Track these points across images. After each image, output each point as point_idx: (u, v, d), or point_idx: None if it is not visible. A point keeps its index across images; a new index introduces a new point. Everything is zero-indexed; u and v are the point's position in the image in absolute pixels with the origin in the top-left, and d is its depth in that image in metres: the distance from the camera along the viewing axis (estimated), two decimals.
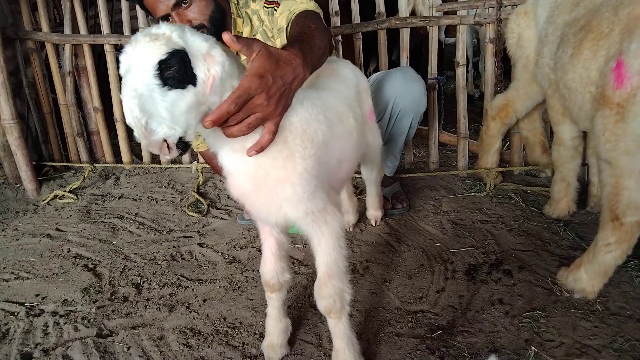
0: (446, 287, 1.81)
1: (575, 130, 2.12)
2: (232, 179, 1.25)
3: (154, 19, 1.80)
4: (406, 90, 2.10)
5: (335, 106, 1.44)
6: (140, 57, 0.97)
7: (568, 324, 1.57)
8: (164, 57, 0.96)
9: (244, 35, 1.94)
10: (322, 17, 1.74)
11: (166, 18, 1.71)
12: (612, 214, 1.59)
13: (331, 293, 1.31)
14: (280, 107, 1.11)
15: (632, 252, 1.90)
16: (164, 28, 1.01)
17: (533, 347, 1.47)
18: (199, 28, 1.70)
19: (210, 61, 1.02)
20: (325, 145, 1.30)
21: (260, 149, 1.11)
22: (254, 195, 1.23)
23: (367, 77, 2.27)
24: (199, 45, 1.02)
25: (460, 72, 2.82)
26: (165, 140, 0.98)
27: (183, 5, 1.69)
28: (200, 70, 1.01)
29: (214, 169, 2.50)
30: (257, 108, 1.05)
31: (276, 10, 1.88)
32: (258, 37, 1.95)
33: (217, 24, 1.77)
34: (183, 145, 1.01)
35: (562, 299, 1.69)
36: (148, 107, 0.95)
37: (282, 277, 1.46)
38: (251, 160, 1.15)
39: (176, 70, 0.97)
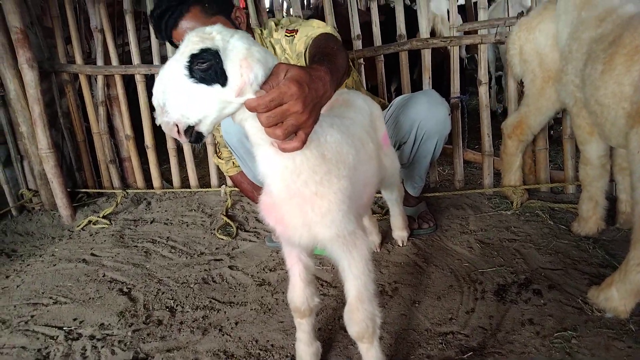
0: (476, 308, 1.81)
1: (602, 149, 2.11)
2: (268, 190, 1.27)
3: None
4: (430, 114, 2.12)
5: (357, 132, 1.48)
6: (181, 49, 1.06)
7: (601, 345, 1.56)
8: (195, 52, 1.03)
9: None
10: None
11: None
12: None
13: (363, 317, 1.33)
14: (312, 118, 1.11)
15: None
16: (215, 28, 1.08)
17: None
18: None
19: (245, 66, 1.04)
20: (354, 168, 1.33)
21: (283, 149, 1.11)
22: (286, 205, 1.24)
23: (390, 100, 2.32)
24: (238, 50, 1.05)
25: (483, 90, 2.84)
26: (176, 125, 1.05)
27: None
28: (232, 73, 1.04)
29: (244, 192, 2.57)
30: (293, 115, 1.05)
31: (294, 37, 1.94)
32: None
33: None
34: (196, 135, 1.07)
35: (594, 319, 1.68)
36: (169, 91, 1.04)
37: (312, 302, 1.48)
38: (289, 167, 1.18)
39: (206, 66, 1.03)
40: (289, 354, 1.66)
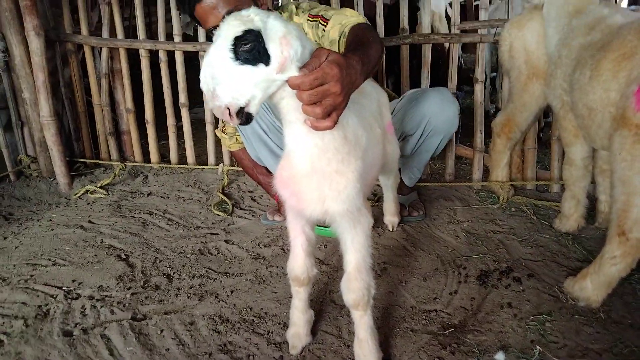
0: (459, 290, 1.92)
1: (586, 151, 2.22)
2: (289, 158, 1.32)
3: (203, 28, 1.93)
4: (441, 111, 2.18)
5: (366, 117, 1.58)
6: (222, 33, 1.11)
7: (572, 329, 1.68)
8: (239, 34, 1.09)
9: None
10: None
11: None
12: (619, 229, 1.69)
13: (361, 286, 1.43)
14: (345, 101, 1.19)
15: (635, 266, 2.02)
16: (251, 11, 1.14)
17: (538, 347, 1.57)
18: None
19: (285, 44, 1.11)
20: (365, 151, 1.42)
21: (316, 127, 1.17)
22: (306, 179, 1.31)
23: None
24: (277, 29, 1.12)
25: (479, 88, 2.95)
26: (228, 108, 1.10)
27: None
28: (273, 51, 1.11)
29: (244, 168, 2.64)
30: (331, 96, 1.12)
31: (322, 24, 2.00)
32: None
33: None
34: (246, 115, 1.13)
35: (568, 306, 1.80)
36: (218, 75, 1.09)
37: (311, 272, 1.57)
38: (318, 145, 1.25)
39: (249, 47, 1.09)
40: (281, 321, 1.76)
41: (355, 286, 1.43)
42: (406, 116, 2.26)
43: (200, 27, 2.11)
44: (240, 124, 1.15)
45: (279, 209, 2.55)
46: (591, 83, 1.88)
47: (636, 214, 1.65)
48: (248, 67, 1.10)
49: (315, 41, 2.07)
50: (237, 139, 2.50)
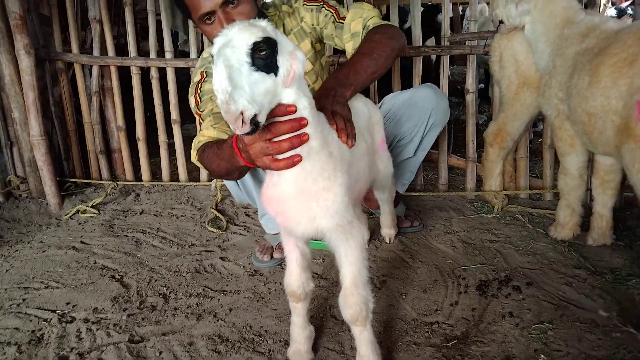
0: (459, 301, 1.91)
1: (582, 160, 2.23)
2: (273, 180, 1.33)
3: (191, 19, 1.89)
4: (438, 103, 2.22)
5: None
6: (238, 36, 1.09)
7: (574, 336, 1.67)
8: (258, 40, 1.09)
9: None
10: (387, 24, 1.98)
11: (207, 17, 1.80)
12: None
13: (357, 301, 1.41)
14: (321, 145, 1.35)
15: (632, 271, 2.03)
16: (262, 22, 1.15)
17: (542, 356, 1.57)
18: None
19: (294, 59, 1.14)
20: (350, 164, 1.43)
21: (277, 167, 1.26)
22: (292, 201, 1.31)
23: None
24: (287, 43, 1.16)
25: (470, 98, 2.97)
26: (242, 113, 1.07)
27: (230, 5, 1.78)
28: (283, 64, 1.13)
29: (214, 168, 2.51)
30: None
31: (325, 7, 2.06)
32: (291, 37, 2.12)
33: None
34: (255, 123, 1.11)
35: (568, 313, 1.80)
36: (235, 79, 1.06)
37: (308, 287, 1.56)
38: (299, 167, 1.26)
39: (265, 55, 1.09)
40: (282, 339, 1.74)
41: (352, 301, 1.41)
42: (402, 118, 2.25)
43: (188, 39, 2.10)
44: (248, 133, 1.12)
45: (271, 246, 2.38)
46: (590, 89, 1.87)
47: None
48: (261, 74, 1.10)
49: (312, 25, 2.11)
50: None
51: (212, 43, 1.91)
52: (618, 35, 1.85)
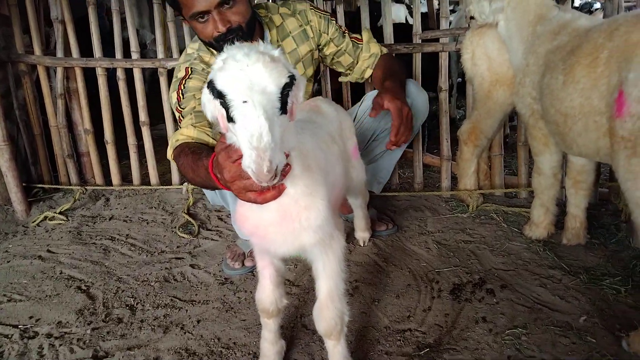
0: (432, 306, 1.88)
1: (555, 160, 2.21)
2: (251, 207, 1.23)
3: (182, 17, 1.85)
4: (418, 94, 2.25)
5: (322, 136, 1.53)
6: (267, 77, 0.95)
7: (548, 341, 1.65)
8: (287, 81, 0.97)
9: (272, 38, 2.11)
10: None
11: (200, 15, 1.74)
12: None
13: (333, 315, 1.37)
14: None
15: (607, 270, 2.02)
16: (269, 48, 1.01)
17: None
18: (237, 30, 1.78)
19: (296, 87, 1.03)
20: (326, 172, 1.37)
21: (263, 199, 1.14)
22: (274, 226, 1.24)
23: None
24: (294, 71, 1.03)
25: (443, 96, 2.94)
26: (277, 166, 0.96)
27: (226, 5, 1.75)
28: (290, 96, 1.01)
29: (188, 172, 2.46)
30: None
31: (334, 22, 2.24)
32: (289, 40, 2.15)
33: (251, 29, 1.88)
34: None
35: (542, 317, 1.78)
36: (275, 134, 0.94)
37: (281, 304, 1.51)
38: (289, 193, 1.19)
39: (287, 95, 0.98)
40: (251, 352, 1.69)
41: (328, 315, 1.37)
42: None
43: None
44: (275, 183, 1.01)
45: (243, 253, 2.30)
46: (566, 89, 1.82)
47: None
48: (283, 117, 0.98)
49: (320, 30, 2.20)
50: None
51: (202, 40, 1.83)
52: (590, 34, 1.81)
